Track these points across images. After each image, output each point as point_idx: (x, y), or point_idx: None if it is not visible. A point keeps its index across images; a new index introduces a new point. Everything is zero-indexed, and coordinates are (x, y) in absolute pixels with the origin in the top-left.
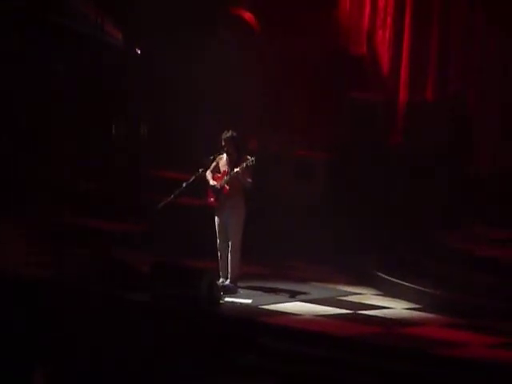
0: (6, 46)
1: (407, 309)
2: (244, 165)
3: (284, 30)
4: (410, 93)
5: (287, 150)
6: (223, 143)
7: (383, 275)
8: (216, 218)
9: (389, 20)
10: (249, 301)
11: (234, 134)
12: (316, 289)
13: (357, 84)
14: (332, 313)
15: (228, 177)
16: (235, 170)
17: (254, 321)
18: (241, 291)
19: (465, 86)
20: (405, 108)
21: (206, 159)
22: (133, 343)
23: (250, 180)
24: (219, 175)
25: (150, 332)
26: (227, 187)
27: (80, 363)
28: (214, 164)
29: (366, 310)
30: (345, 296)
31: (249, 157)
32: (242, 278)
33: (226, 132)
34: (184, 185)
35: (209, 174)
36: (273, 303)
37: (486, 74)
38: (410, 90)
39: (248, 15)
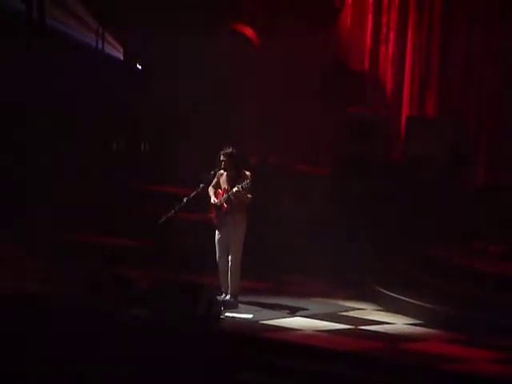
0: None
1: (408, 324)
2: (240, 187)
3: (284, 46)
4: (411, 108)
5: (287, 165)
6: (221, 158)
7: (384, 290)
8: (216, 233)
9: (392, 35)
10: (249, 316)
11: (234, 151)
12: (317, 304)
13: (357, 99)
14: (333, 328)
15: (226, 196)
16: (233, 190)
17: (254, 336)
18: (241, 306)
19: (465, 102)
20: (405, 123)
21: (205, 175)
22: (131, 358)
23: (249, 196)
24: (220, 191)
25: (148, 347)
26: (225, 205)
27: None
28: (215, 180)
29: (367, 325)
30: (345, 311)
31: (247, 172)
32: (242, 294)
33: (225, 148)
34: (185, 200)
35: (211, 190)
36: (273, 318)
37: (487, 89)
38: (411, 106)
39: (249, 31)
